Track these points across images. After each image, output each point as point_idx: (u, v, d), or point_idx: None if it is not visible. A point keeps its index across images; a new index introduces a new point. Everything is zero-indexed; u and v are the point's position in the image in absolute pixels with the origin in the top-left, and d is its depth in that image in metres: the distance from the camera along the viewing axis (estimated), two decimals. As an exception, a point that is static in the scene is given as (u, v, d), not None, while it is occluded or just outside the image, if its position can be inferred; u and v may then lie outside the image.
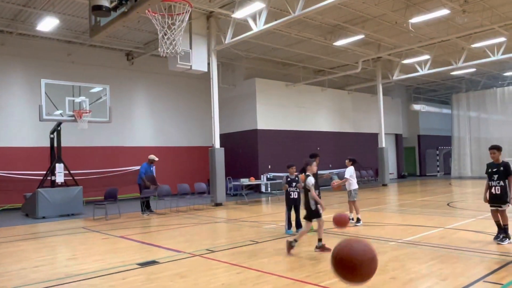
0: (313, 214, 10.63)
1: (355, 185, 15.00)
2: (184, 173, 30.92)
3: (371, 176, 37.30)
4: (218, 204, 22.84)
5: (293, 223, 13.47)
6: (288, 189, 13.01)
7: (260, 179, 30.59)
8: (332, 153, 36.15)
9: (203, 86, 32.08)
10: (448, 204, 19.75)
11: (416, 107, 43.30)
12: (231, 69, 33.01)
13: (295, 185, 13.00)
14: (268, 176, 30.85)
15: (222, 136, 31.74)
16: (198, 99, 32.25)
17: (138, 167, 27.30)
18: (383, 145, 35.28)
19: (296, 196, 12.89)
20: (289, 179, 13.06)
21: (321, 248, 10.68)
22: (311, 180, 10.61)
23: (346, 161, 15.11)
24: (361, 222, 14.57)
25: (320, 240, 10.71)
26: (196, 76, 31.18)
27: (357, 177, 27.43)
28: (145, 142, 29.61)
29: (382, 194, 26.46)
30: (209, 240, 12.78)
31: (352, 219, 14.73)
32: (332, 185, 14.25)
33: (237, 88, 32.54)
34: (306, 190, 10.67)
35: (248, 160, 31.65)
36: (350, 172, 14.93)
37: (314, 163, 11.01)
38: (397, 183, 36.62)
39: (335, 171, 33.21)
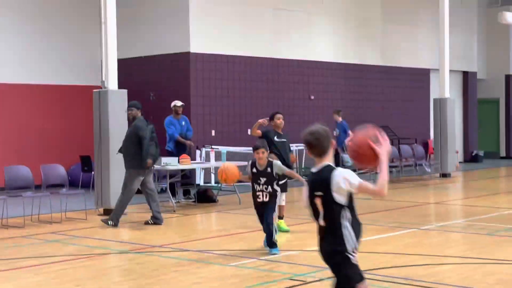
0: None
1: None
2: (52, 139, 17.07)
3: (420, 156, 19.61)
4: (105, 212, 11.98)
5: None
6: (255, 186, 8.60)
7: (199, 157, 15.17)
8: (342, 108, 18.88)
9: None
10: None
11: (510, 16, 21.44)
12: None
13: (265, 181, 8.40)
14: (219, 149, 15.71)
15: (122, 66, 14.07)
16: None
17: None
18: (447, 94, 18.78)
19: (267, 199, 8.47)
20: (254, 169, 8.60)
21: None
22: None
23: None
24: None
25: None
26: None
27: (390, 159, 15.49)
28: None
29: (443, 197, 15.37)
30: None
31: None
32: None
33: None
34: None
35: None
36: None
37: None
38: (466, 173, 20.83)
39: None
